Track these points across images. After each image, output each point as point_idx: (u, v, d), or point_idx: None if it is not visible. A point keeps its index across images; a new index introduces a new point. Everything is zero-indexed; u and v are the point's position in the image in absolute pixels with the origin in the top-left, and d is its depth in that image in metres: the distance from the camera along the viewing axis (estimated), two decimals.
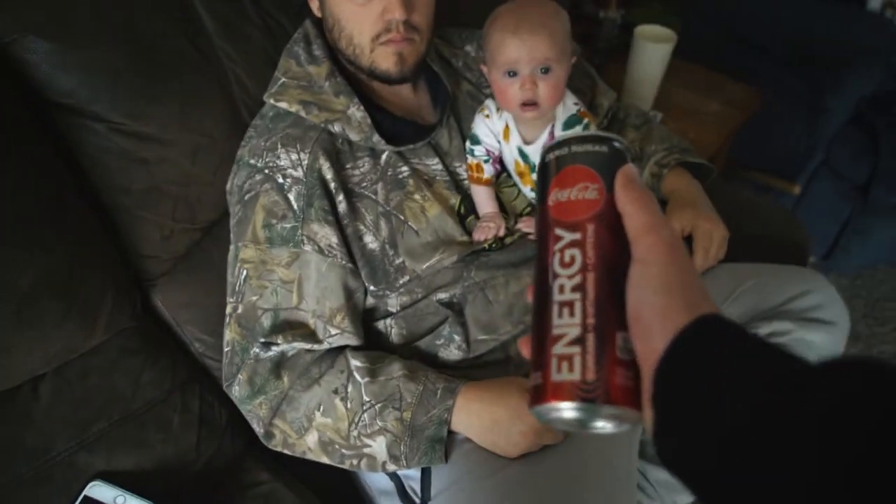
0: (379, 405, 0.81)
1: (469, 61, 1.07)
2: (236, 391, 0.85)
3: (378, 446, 0.81)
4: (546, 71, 0.85)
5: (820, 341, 0.95)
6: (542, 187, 0.42)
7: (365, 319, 0.92)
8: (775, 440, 0.27)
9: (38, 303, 0.78)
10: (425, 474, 0.85)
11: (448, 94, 0.98)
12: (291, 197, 0.86)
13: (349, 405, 0.82)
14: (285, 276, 0.85)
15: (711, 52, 1.83)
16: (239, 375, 0.85)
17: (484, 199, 0.95)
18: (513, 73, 0.86)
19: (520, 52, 0.84)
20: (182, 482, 0.90)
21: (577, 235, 0.38)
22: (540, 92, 0.86)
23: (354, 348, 0.87)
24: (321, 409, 0.82)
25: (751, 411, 0.29)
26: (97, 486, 0.82)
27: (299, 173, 0.86)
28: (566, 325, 0.36)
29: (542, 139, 0.93)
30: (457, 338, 0.89)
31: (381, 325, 0.92)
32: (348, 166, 0.90)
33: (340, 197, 0.87)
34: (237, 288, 0.87)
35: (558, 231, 0.39)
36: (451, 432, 0.81)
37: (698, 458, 0.31)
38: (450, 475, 0.82)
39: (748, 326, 0.83)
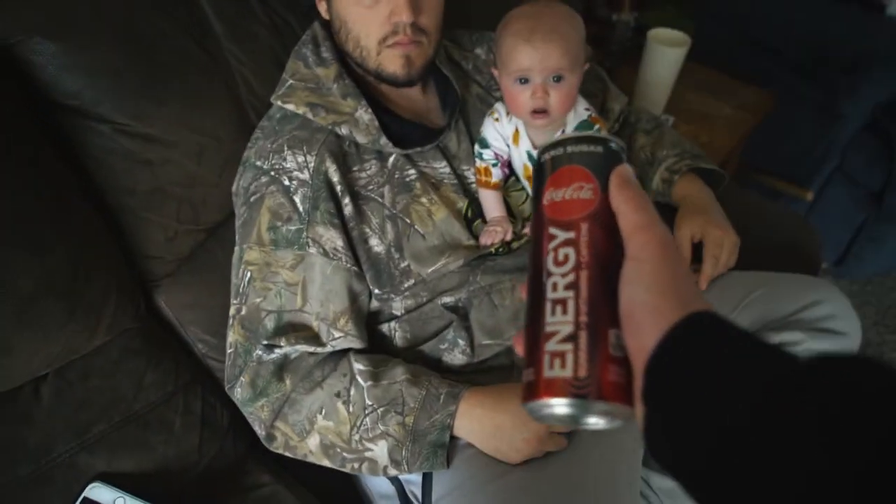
0: (381, 409, 0.81)
1: (479, 64, 1.06)
2: (238, 393, 0.85)
3: (379, 450, 0.81)
4: (558, 79, 0.84)
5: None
6: (537, 187, 0.42)
7: (369, 323, 0.91)
8: (776, 441, 0.27)
9: (40, 304, 0.77)
10: (426, 479, 0.85)
11: (457, 97, 0.97)
12: (297, 199, 0.85)
13: (351, 409, 0.81)
14: (290, 278, 0.84)
15: (725, 54, 1.81)
16: (241, 377, 0.84)
17: (491, 203, 0.94)
18: (524, 81, 0.85)
19: (532, 61, 0.83)
20: (183, 484, 0.90)
21: (571, 234, 0.38)
22: (551, 100, 0.85)
23: (358, 351, 0.87)
24: (323, 412, 0.82)
25: (750, 411, 0.28)
26: (97, 488, 0.82)
27: (305, 176, 0.85)
28: (559, 323, 0.37)
29: None
30: (461, 342, 0.88)
31: (385, 328, 0.92)
32: (355, 169, 0.89)
33: (346, 200, 0.86)
34: (241, 289, 0.86)
35: (552, 230, 0.39)
36: (453, 437, 0.81)
37: (690, 456, 0.31)
38: (451, 480, 0.82)
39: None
